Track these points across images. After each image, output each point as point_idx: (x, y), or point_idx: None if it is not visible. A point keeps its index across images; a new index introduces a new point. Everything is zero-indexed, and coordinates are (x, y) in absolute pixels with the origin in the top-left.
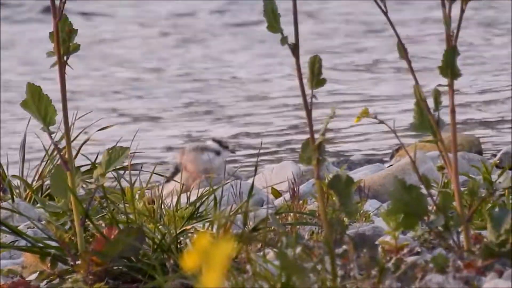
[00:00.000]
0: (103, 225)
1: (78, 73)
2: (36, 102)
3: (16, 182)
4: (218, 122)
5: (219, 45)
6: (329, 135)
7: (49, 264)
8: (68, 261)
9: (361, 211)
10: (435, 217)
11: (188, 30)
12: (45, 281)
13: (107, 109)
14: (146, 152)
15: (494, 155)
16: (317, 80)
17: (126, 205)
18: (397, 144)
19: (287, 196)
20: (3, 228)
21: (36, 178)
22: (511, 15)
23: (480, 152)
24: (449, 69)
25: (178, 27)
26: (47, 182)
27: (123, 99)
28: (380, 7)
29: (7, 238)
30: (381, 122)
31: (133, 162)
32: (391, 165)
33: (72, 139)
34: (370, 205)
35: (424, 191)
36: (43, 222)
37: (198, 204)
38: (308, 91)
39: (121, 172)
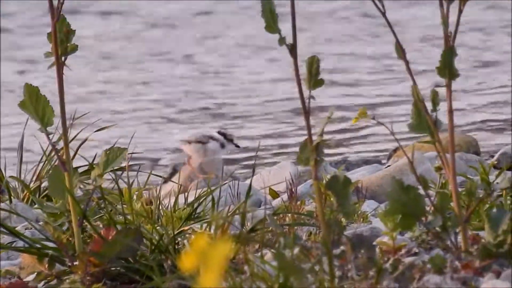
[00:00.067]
0: (101, 226)
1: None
2: (34, 103)
3: (14, 183)
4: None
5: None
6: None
7: (46, 265)
8: (65, 262)
9: (359, 212)
10: (433, 217)
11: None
12: (42, 282)
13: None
14: (144, 153)
15: (492, 156)
16: (315, 80)
17: (124, 206)
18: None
19: (285, 196)
20: (1, 229)
21: (34, 179)
22: (511, 15)
23: (477, 153)
24: (447, 69)
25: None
26: (45, 183)
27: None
28: (377, 7)
29: (5, 239)
30: (379, 123)
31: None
32: (389, 165)
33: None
34: (368, 206)
35: (421, 191)
36: (41, 223)
37: (196, 205)
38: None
39: (119, 173)
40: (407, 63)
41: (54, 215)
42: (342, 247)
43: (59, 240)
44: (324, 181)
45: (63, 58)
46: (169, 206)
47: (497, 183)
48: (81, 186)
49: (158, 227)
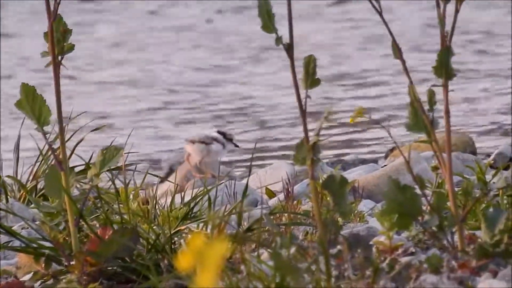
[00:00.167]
0: (97, 225)
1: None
2: (30, 102)
3: (10, 182)
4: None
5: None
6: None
7: (43, 265)
8: (62, 262)
9: (355, 211)
10: (429, 217)
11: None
12: (39, 282)
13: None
14: (140, 152)
15: (488, 155)
16: (312, 80)
17: (120, 205)
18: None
19: (281, 196)
20: None
21: (30, 178)
22: (511, 16)
23: (474, 153)
24: (444, 69)
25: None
26: (41, 182)
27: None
28: (374, 7)
29: (1, 238)
30: (375, 122)
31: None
32: (385, 165)
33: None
34: (364, 205)
35: (418, 191)
36: (37, 222)
37: (192, 205)
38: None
39: (116, 172)
40: (403, 62)
41: (50, 214)
42: (338, 247)
43: (56, 240)
44: (320, 181)
45: (59, 58)
46: (166, 206)
47: (494, 182)
48: (78, 186)
49: (154, 227)
